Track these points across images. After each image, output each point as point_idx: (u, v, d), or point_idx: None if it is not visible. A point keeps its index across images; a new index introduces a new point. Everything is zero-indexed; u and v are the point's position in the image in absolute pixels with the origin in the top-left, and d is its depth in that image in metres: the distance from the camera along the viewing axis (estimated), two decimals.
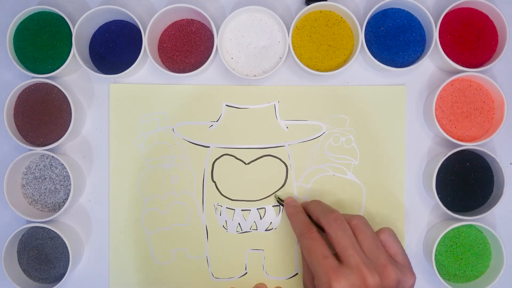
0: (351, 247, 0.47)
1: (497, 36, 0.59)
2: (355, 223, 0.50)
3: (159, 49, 0.60)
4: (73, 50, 0.57)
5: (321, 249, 0.48)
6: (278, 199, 0.60)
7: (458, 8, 0.59)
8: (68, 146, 0.61)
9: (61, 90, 0.58)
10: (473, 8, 0.59)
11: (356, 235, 0.49)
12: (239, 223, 0.61)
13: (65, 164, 0.57)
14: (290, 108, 0.61)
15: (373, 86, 0.61)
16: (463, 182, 0.58)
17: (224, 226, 0.61)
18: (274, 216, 0.60)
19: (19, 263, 0.59)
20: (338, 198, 0.60)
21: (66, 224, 0.61)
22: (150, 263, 0.61)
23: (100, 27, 0.61)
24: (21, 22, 0.59)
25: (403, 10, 0.59)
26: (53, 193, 0.60)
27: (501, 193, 0.57)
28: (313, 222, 0.53)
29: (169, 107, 0.61)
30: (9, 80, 0.62)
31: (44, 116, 0.59)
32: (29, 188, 0.60)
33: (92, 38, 0.61)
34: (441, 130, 0.57)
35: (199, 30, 0.60)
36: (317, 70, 0.58)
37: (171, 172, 0.61)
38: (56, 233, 0.57)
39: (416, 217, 0.61)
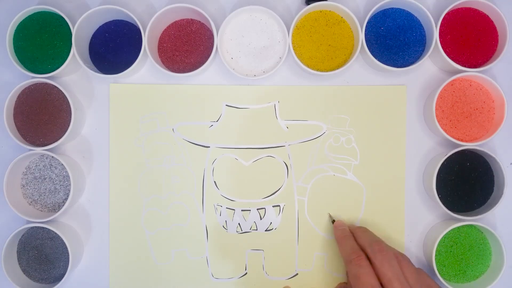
0: (397, 280, 0.48)
1: (497, 36, 0.59)
2: (400, 259, 0.51)
3: (159, 49, 0.60)
4: (73, 50, 0.57)
5: (368, 279, 0.48)
6: (330, 216, 0.60)
7: (458, 8, 0.59)
8: (68, 146, 0.61)
9: (61, 90, 0.58)
10: (473, 8, 0.59)
11: (402, 268, 0.49)
12: (239, 223, 0.60)
13: (65, 164, 0.57)
14: (290, 108, 0.61)
15: (373, 86, 0.61)
16: (464, 182, 0.58)
17: (224, 226, 0.61)
18: (274, 216, 0.60)
19: (19, 263, 0.59)
20: (338, 198, 0.60)
21: (66, 224, 0.61)
22: (150, 263, 0.61)
23: (100, 27, 0.61)
24: (21, 22, 0.59)
25: (403, 10, 0.59)
26: (53, 193, 0.60)
27: (502, 193, 0.57)
28: None
29: (169, 107, 0.61)
30: (9, 80, 0.62)
31: (43, 116, 0.59)
32: (29, 188, 0.60)
33: (92, 38, 0.61)
34: (441, 130, 0.57)
35: (199, 30, 0.60)
36: (317, 70, 0.58)
37: (171, 172, 0.61)
38: (56, 233, 0.57)
39: (416, 217, 0.61)
